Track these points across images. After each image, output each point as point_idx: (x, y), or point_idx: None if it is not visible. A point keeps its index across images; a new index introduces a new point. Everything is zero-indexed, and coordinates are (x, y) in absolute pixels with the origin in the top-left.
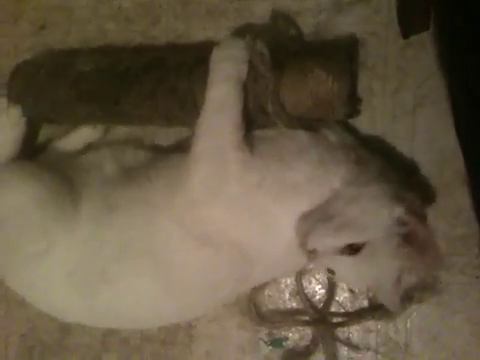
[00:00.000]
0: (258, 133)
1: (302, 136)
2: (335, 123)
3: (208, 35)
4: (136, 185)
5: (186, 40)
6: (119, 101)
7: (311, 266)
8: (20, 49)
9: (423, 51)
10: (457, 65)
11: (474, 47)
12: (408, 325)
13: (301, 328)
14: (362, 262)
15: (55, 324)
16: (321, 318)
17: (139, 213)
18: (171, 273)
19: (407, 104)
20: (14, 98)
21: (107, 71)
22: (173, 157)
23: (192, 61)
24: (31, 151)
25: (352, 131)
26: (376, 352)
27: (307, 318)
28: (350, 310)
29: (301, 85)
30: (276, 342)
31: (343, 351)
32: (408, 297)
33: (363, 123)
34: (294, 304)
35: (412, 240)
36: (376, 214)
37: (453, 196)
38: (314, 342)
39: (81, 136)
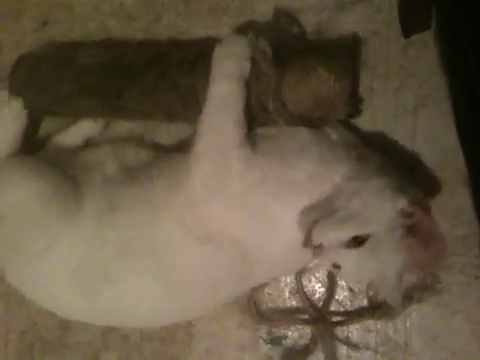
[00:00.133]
0: (260, 131)
1: (304, 134)
2: (336, 122)
3: (210, 33)
4: (137, 184)
5: (188, 37)
6: (121, 96)
7: (311, 265)
8: (22, 45)
9: (425, 50)
10: (457, 65)
11: (474, 47)
12: (408, 325)
13: (300, 327)
14: (367, 255)
15: (55, 321)
16: (320, 317)
17: (140, 212)
18: (172, 273)
19: (408, 104)
20: (16, 91)
21: (110, 65)
22: (174, 156)
23: (194, 57)
24: (31, 146)
25: (353, 130)
26: (375, 351)
27: (306, 317)
28: (350, 309)
29: (303, 84)
30: (275, 340)
31: (342, 350)
32: (408, 297)
33: (364, 122)
34: (294, 303)
35: (417, 231)
36: (379, 206)
37: (454, 196)
38: (313, 341)
39: (81, 130)
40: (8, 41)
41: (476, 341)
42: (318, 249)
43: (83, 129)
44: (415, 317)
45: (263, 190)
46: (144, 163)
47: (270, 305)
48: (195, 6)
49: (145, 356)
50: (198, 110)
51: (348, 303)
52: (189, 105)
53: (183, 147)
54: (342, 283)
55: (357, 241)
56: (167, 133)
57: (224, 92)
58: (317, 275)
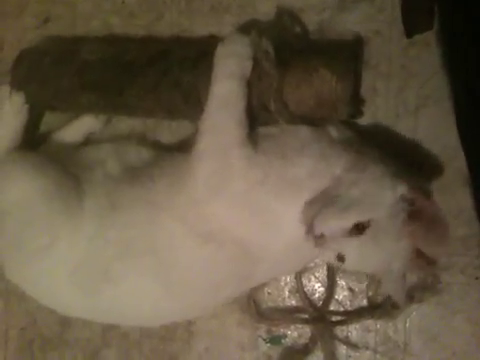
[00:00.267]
0: (261, 130)
1: (304, 131)
2: (338, 121)
3: (211, 31)
4: (139, 183)
5: (190, 35)
6: (122, 92)
7: (311, 264)
8: (24, 42)
9: (426, 50)
10: (458, 64)
11: (474, 46)
12: (407, 325)
13: (300, 326)
14: (370, 243)
15: (55, 318)
16: (320, 316)
17: (142, 211)
18: (173, 272)
19: (410, 103)
20: (17, 85)
21: (112, 61)
22: (176, 155)
23: (196, 55)
24: (32, 141)
25: (354, 129)
26: (375, 351)
27: (306, 316)
28: (349, 309)
29: (305, 84)
30: (275, 340)
31: (342, 350)
32: (408, 296)
33: (366, 122)
34: (293, 302)
35: (419, 217)
36: (379, 193)
37: (454, 196)
38: (313, 340)
39: (82, 127)
40: (10, 38)
41: (476, 341)
42: (321, 239)
43: (84, 125)
44: (415, 317)
45: (265, 189)
46: (145, 162)
47: (270, 304)
48: (197, 4)
49: (144, 353)
50: (200, 108)
51: (348, 303)
52: (191, 103)
53: (184, 146)
54: (342, 283)
55: (359, 228)
56: (168, 131)
57: (226, 91)
58: (317, 274)
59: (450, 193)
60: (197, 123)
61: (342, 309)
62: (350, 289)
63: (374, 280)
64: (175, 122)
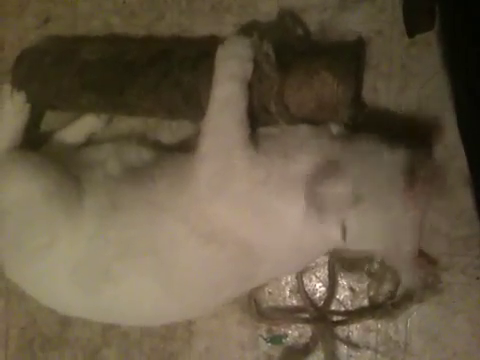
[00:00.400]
0: (262, 130)
1: (303, 129)
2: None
3: (212, 31)
4: (139, 184)
5: (190, 35)
6: (123, 92)
7: (313, 264)
8: (24, 42)
9: (427, 50)
10: (458, 64)
11: (475, 46)
12: (408, 325)
13: (301, 326)
14: (371, 212)
15: (55, 317)
16: (321, 316)
17: (142, 211)
18: (174, 272)
19: (411, 103)
20: (18, 84)
21: (112, 61)
22: (177, 156)
23: (197, 55)
24: (34, 141)
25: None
26: (376, 351)
27: (307, 316)
28: (350, 308)
29: (306, 87)
30: (275, 339)
31: (343, 349)
32: (409, 296)
33: None
34: (294, 301)
35: (420, 181)
36: (377, 159)
37: (455, 196)
38: (314, 340)
39: (83, 127)
40: (10, 37)
41: (477, 342)
42: (322, 210)
43: (85, 126)
44: (416, 317)
45: (267, 188)
46: (146, 162)
47: (270, 304)
48: (198, 4)
49: (145, 353)
50: (200, 108)
51: (349, 303)
52: (191, 103)
53: (185, 146)
54: (343, 282)
55: (359, 198)
56: (169, 131)
57: (227, 93)
58: (318, 274)
59: (451, 193)
60: (198, 123)
61: (343, 309)
62: (351, 289)
63: (375, 280)
64: (175, 122)
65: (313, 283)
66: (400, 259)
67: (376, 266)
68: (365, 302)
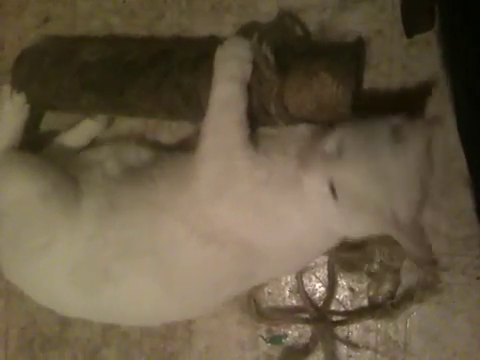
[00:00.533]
0: (262, 131)
1: (302, 128)
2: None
3: (212, 31)
4: (139, 184)
5: (190, 35)
6: (123, 92)
7: (312, 264)
8: (24, 41)
9: (427, 50)
10: (458, 65)
11: (474, 47)
12: (408, 325)
13: (301, 326)
14: (357, 162)
15: (55, 317)
16: (321, 316)
17: (143, 212)
18: (175, 272)
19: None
20: (18, 85)
21: (112, 62)
22: (177, 156)
23: (197, 56)
24: (33, 143)
25: None
26: (375, 351)
27: (307, 316)
28: (350, 309)
29: (306, 88)
30: (275, 339)
31: (342, 349)
32: (408, 296)
33: None
34: (294, 302)
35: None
36: (365, 122)
37: (455, 197)
38: (313, 340)
39: (83, 131)
40: (10, 37)
41: (477, 342)
42: (307, 166)
43: (86, 130)
44: (415, 317)
45: (268, 188)
46: (145, 163)
47: (270, 304)
48: (198, 4)
49: (145, 353)
50: (200, 109)
51: (348, 303)
52: (191, 104)
53: (184, 147)
54: (342, 283)
55: (342, 150)
56: (168, 131)
57: (227, 94)
58: (318, 274)
59: (451, 194)
60: (197, 124)
61: (343, 309)
62: (351, 289)
63: (375, 280)
64: (175, 123)
65: (313, 283)
66: (399, 227)
67: (376, 266)
68: (365, 302)
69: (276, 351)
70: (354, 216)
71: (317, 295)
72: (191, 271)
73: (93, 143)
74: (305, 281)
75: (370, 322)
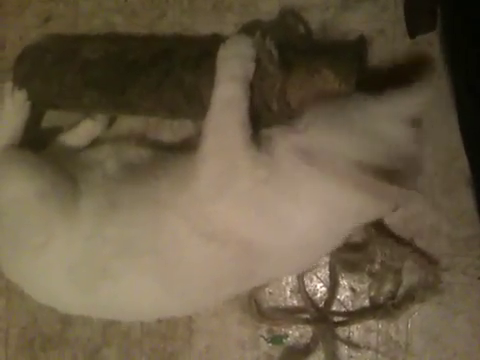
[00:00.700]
0: (263, 131)
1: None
2: None
3: (214, 30)
4: (140, 183)
5: (192, 34)
6: (125, 91)
7: (313, 264)
8: (25, 41)
9: (430, 50)
10: (460, 65)
11: (475, 48)
12: (409, 325)
13: (301, 326)
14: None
15: (56, 317)
16: (322, 317)
17: (143, 210)
18: (175, 269)
19: None
20: (19, 82)
21: (114, 60)
22: (179, 155)
23: (199, 55)
24: (34, 142)
25: None
26: (376, 351)
27: (308, 316)
28: (351, 309)
29: (308, 85)
30: (276, 339)
31: (343, 350)
32: (409, 297)
33: None
34: (295, 302)
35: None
36: None
37: (457, 197)
38: (314, 340)
39: (84, 131)
40: (11, 36)
41: (478, 342)
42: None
43: (86, 130)
44: (417, 317)
45: (269, 187)
46: (145, 162)
47: (271, 304)
48: (199, 3)
49: (145, 352)
50: (202, 108)
51: (350, 303)
52: (193, 102)
53: (186, 145)
54: (344, 283)
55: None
56: (170, 130)
57: (229, 93)
58: (319, 275)
59: (452, 194)
60: (199, 123)
61: (344, 309)
62: (352, 289)
63: (376, 280)
64: (177, 122)
65: (314, 283)
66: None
67: (377, 267)
68: (366, 302)
69: (277, 351)
70: (331, 180)
71: (318, 295)
72: (192, 269)
73: (94, 142)
74: (306, 281)
75: (371, 322)
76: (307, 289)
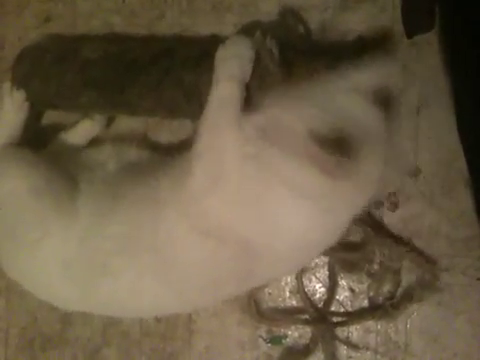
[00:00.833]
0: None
1: None
2: None
3: (213, 30)
4: (140, 183)
5: (191, 35)
6: (124, 90)
7: (312, 264)
8: (24, 41)
9: (428, 50)
10: (459, 65)
11: (474, 48)
12: (408, 325)
13: (301, 326)
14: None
15: (56, 316)
16: (321, 317)
17: (143, 209)
18: (174, 267)
19: (411, 104)
20: (18, 82)
21: (114, 60)
22: (178, 156)
23: (199, 54)
24: (33, 142)
25: None
26: (375, 352)
27: (307, 317)
28: (350, 309)
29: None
30: (275, 339)
31: (342, 350)
32: (408, 297)
33: None
34: (294, 302)
35: None
36: None
37: (456, 197)
38: (313, 341)
39: (82, 131)
40: (11, 37)
41: (477, 342)
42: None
43: (84, 130)
44: (416, 318)
45: (254, 179)
46: (145, 162)
47: (270, 304)
48: (199, 3)
49: (145, 352)
50: (201, 107)
51: (349, 303)
52: (193, 102)
53: (185, 146)
54: (343, 283)
55: None
56: (169, 131)
57: (226, 93)
58: (318, 275)
59: (451, 194)
60: (198, 123)
61: (343, 310)
62: (351, 290)
63: (375, 281)
64: (176, 122)
65: (313, 284)
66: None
67: (376, 267)
68: (365, 303)
69: (276, 352)
70: (290, 156)
71: (317, 296)
72: (191, 267)
73: (95, 143)
74: (305, 282)
75: (370, 323)
76: (306, 289)
